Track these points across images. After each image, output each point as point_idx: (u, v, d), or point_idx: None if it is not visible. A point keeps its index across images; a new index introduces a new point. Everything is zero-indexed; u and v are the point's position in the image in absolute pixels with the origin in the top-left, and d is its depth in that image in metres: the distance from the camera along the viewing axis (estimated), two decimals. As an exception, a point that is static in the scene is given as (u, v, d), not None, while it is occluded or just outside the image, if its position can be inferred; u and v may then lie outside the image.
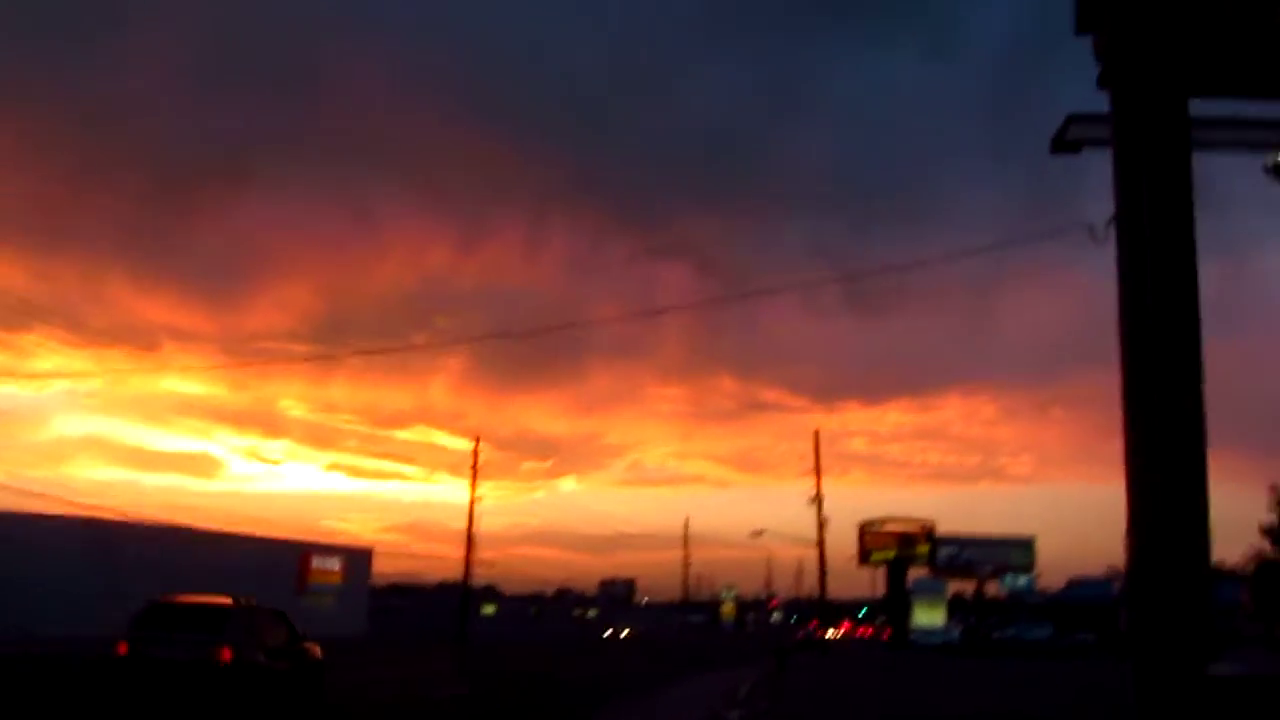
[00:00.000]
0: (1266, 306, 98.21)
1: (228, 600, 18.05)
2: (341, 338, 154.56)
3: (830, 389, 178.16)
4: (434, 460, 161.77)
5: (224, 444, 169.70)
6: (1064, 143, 11.37)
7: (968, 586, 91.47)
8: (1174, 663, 8.40)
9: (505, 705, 21.64)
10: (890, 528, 79.45)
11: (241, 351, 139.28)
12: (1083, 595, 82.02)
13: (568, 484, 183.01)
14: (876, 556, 79.30)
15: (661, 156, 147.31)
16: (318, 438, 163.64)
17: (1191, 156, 9.59)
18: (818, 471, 59.99)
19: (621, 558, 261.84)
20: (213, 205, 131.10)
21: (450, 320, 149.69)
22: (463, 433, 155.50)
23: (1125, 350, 9.22)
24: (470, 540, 67.28)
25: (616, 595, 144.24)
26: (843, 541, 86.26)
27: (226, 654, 16.12)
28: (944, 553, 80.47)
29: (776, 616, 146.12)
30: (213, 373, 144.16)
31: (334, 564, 66.00)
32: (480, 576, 77.99)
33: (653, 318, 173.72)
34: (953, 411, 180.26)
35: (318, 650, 20.66)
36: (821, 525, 59.46)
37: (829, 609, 69.03)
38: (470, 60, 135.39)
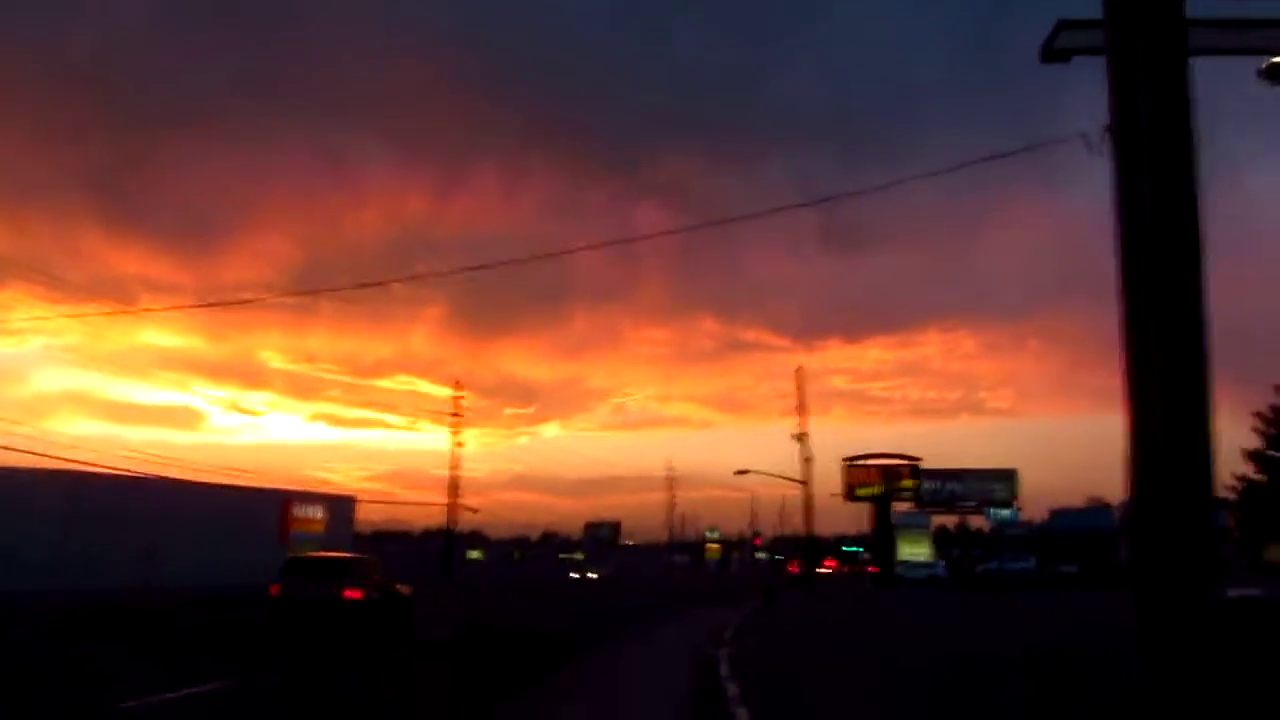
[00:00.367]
0: (1248, 227, 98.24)
1: (344, 554, 25.95)
2: (320, 288, 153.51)
3: (811, 328, 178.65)
4: (417, 408, 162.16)
5: (205, 396, 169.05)
6: (1054, 51, 10.84)
7: (951, 520, 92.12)
8: (1177, 589, 8.07)
9: (487, 649, 21.27)
10: (874, 463, 79.51)
11: (219, 303, 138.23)
12: (1065, 526, 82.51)
13: (551, 429, 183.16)
14: (861, 492, 79.43)
15: (643, 97, 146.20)
16: (299, 388, 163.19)
17: (1189, 61, 9.12)
18: (801, 408, 59.78)
19: (606, 501, 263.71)
20: (187, 156, 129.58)
21: (429, 267, 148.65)
22: (445, 380, 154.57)
23: (1123, 269, 8.79)
24: (454, 486, 67.05)
25: (601, 538, 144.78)
26: (827, 479, 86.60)
27: (347, 593, 22.29)
28: (927, 487, 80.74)
29: (762, 555, 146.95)
30: (191, 325, 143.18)
31: (316, 512, 65.59)
32: (466, 522, 78.05)
33: (633, 261, 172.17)
34: (932, 347, 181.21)
35: (405, 589, 26.58)
36: (807, 461, 59.25)
37: (815, 546, 69.03)
38: (446, 4, 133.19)
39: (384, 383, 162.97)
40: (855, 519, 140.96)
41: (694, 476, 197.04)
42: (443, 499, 67.92)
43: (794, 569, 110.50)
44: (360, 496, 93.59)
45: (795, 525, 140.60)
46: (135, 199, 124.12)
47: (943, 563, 79.12)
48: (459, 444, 66.65)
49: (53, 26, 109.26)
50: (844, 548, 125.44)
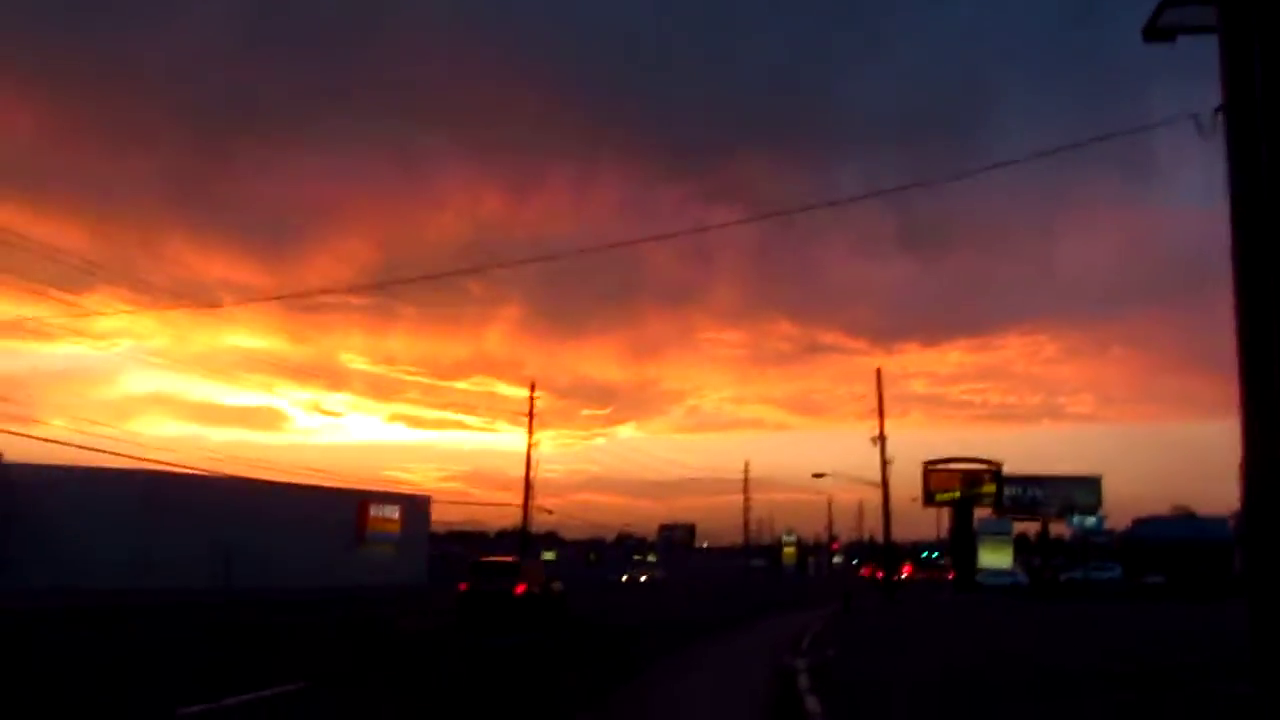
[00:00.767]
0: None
1: (515, 558, 34.38)
2: (399, 289, 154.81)
3: (889, 330, 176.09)
4: (494, 409, 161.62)
5: (287, 397, 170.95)
6: (1157, 30, 10.19)
7: (1031, 528, 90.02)
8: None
9: (560, 654, 20.91)
10: (955, 467, 77.90)
11: (301, 305, 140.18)
12: (1150, 535, 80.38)
13: (627, 430, 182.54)
14: (941, 497, 77.82)
15: (715, 99, 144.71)
16: (379, 389, 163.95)
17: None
18: (880, 410, 58.60)
19: (681, 502, 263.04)
20: (268, 161, 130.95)
21: (506, 269, 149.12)
22: (521, 382, 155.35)
23: (1238, 257, 8.17)
24: (528, 486, 66.92)
25: (676, 540, 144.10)
26: (904, 483, 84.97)
27: (519, 588, 28.91)
28: (1008, 493, 78.91)
29: (838, 560, 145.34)
30: (273, 327, 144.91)
31: (392, 512, 65.90)
32: (541, 523, 77.79)
33: (708, 262, 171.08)
34: (1012, 351, 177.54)
35: (559, 586, 33.71)
36: (885, 465, 58.13)
37: (893, 551, 67.86)
38: (520, 7, 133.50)
39: (462, 384, 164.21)
40: (931, 524, 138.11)
41: (770, 479, 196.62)
42: (518, 500, 67.76)
43: (867, 573, 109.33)
44: (436, 497, 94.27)
45: (872, 530, 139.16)
46: (218, 203, 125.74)
47: (1023, 571, 77.49)
48: (534, 444, 66.47)
49: (138, 36, 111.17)
50: (922, 554, 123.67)
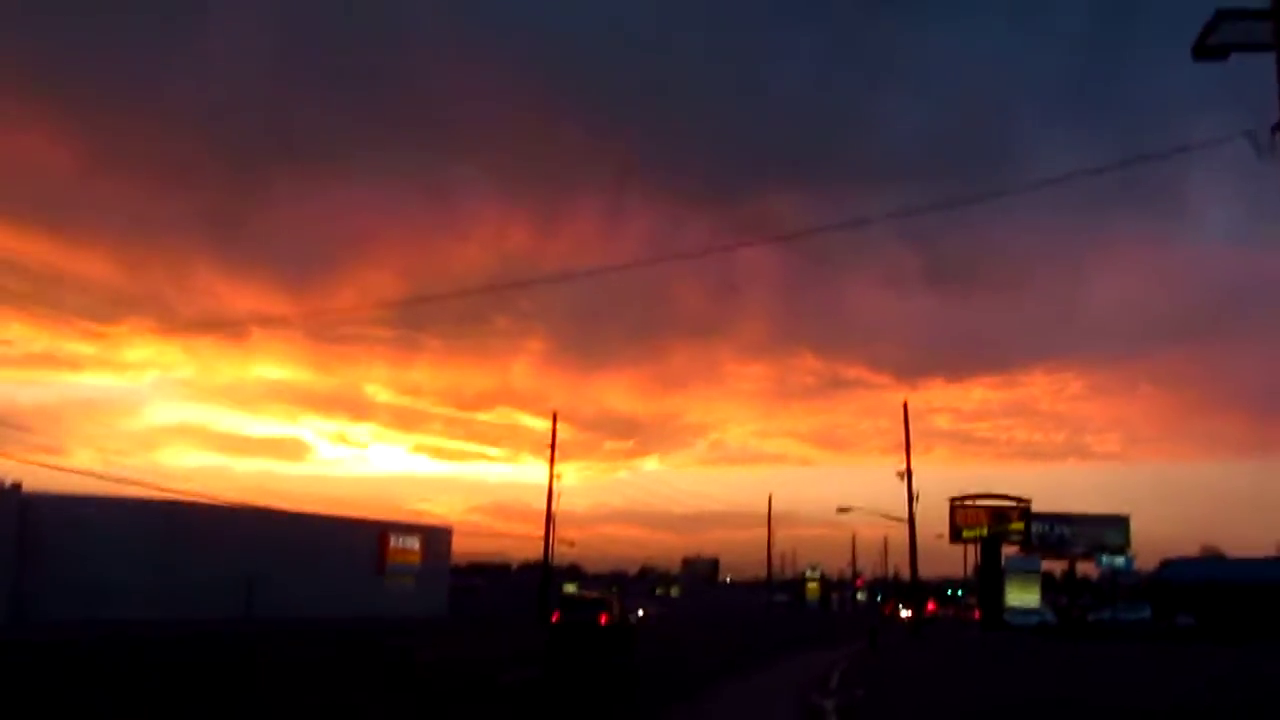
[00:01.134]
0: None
1: (599, 594, 37.88)
2: (424, 321, 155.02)
3: (913, 366, 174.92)
4: (517, 441, 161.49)
5: (312, 428, 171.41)
6: (1209, 48, 9.78)
7: (1058, 566, 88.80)
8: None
9: (575, 691, 20.37)
10: (983, 504, 76.91)
11: (327, 337, 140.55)
12: (1181, 576, 79.05)
13: (650, 463, 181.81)
14: (968, 533, 76.79)
15: (742, 133, 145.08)
16: (403, 420, 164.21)
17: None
18: (907, 444, 57.91)
19: (705, 536, 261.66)
20: (295, 194, 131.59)
21: (532, 302, 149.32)
22: (545, 414, 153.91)
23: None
24: (550, 518, 66.43)
25: (699, 574, 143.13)
26: (929, 520, 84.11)
27: (603, 619, 31.53)
28: (1035, 530, 77.90)
29: (862, 596, 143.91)
30: (299, 358, 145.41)
31: (413, 543, 65.42)
32: (563, 556, 77.26)
33: (732, 296, 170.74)
34: (1038, 388, 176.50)
35: (632, 618, 39.41)
36: (912, 499, 57.35)
37: (918, 588, 66.92)
38: (547, 42, 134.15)
39: (485, 416, 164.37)
40: (955, 561, 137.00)
41: (794, 514, 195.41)
42: (540, 532, 67.25)
43: (889, 610, 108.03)
44: (459, 529, 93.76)
45: (897, 565, 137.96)
46: (247, 235, 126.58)
47: (1051, 610, 76.32)
48: (556, 476, 66.06)
49: (171, 72, 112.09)
50: (946, 591, 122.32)
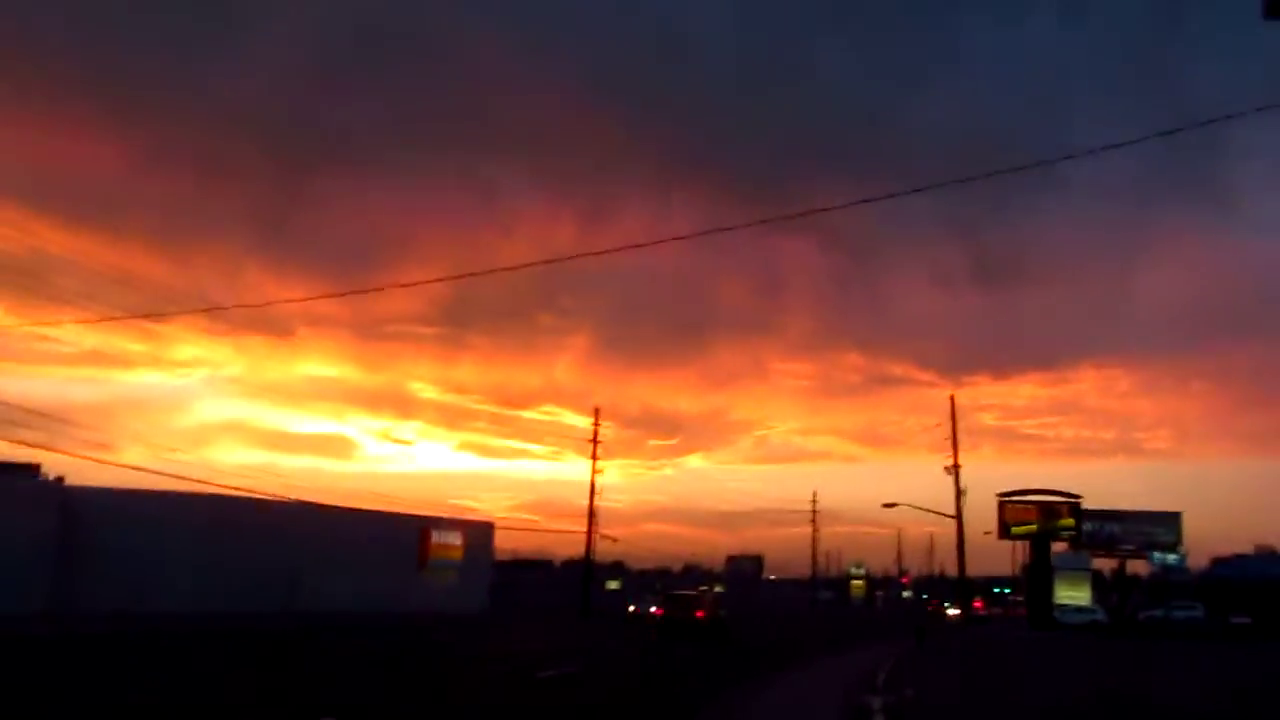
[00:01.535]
0: None
1: (696, 591, 50.12)
2: (468, 319, 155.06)
3: (959, 363, 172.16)
4: (562, 438, 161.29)
5: (359, 426, 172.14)
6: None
7: (1107, 564, 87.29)
8: None
9: (615, 687, 19.82)
10: (1032, 500, 75.54)
11: (373, 335, 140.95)
12: (1235, 574, 77.44)
13: (694, 461, 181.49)
14: (1017, 530, 75.44)
15: (786, 129, 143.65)
16: (448, 418, 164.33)
17: None
18: (955, 439, 57.08)
19: (749, 534, 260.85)
20: (341, 192, 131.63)
21: (575, 299, 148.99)
22: (589, 411, 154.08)
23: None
24: (592, 513, 66.11)
25: (743, 571, 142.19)
26: (975, 518, 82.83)
27: (700, 614, 39.55)
28: (1085, 528, 76.42)
29: (907, 594, 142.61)
30: (346, 356, 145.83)
31: (454, 538, 65.22)
32: (607, 552, 76.84)
33: (777, 293, 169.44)
34: (1087, 385, 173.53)
35: (724, 613, 44.45)
36: (960, 494, 56.42)
37: (967, 585, 65.90)
38: (591, 39, 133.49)
39: (530, 413, 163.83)
40: (1000, 559, 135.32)
41: (839, 511, 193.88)
42: (584, 528, 66.91)
43: (932, 608, 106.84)
44: (503, 525, 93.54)
45: (942, 563, 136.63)
46: (295, 233, 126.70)
47: (1102, 608, 74.92)
48: (598, 472, 65.76)
49: (219, 70, 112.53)
50: (993, 588, 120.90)
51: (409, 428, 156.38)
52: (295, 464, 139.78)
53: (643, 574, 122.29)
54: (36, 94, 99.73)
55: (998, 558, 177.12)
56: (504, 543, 76.04)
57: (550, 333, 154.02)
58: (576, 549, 71.29)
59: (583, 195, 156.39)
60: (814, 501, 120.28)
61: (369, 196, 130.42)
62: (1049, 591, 73.40)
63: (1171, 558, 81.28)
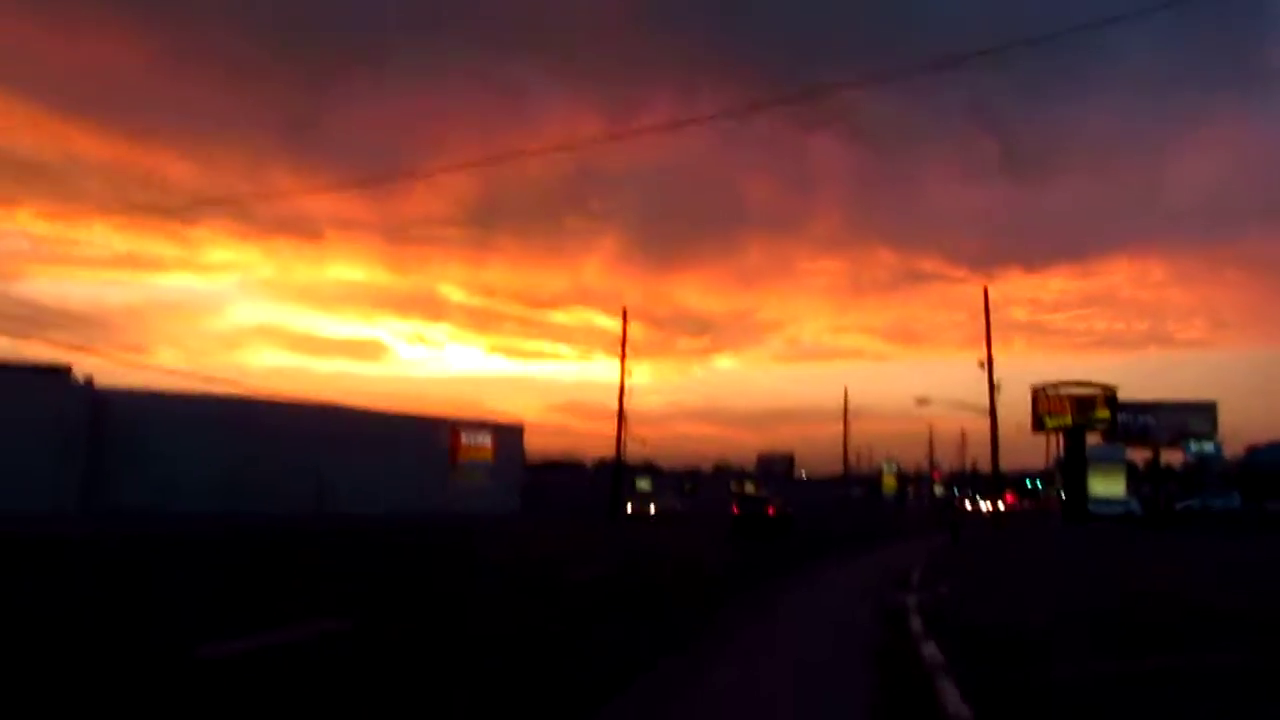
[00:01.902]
0: None
1: (765, 494, 57.97)
2: (497, 220, 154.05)
3: (990, 257, 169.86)
4: (591, 340, 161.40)
5: (389, 329, 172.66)
6: None
7: (1141, 455, 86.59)
8: None
9: (646, 587, 19.37)
10: (1066, 392, 74.51)
11: (401, 238, 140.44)
12: (1272, 461, 76.64)
13: (724, 361, 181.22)
14: (1051, 422, 74.47)
15: (809, 20, 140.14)
16: (477, 321, 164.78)
17: None
18: (988, 332, 55.90)
19: (780, 433, 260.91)
20: (365, 94, 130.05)
21: (603, 200, 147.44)
22: (618, 313, 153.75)
23: None
24: (621, 415, 65.70)
25: (775, 469, 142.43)
26: (1007, 412, 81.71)
27: (770, 510, 46.18)
28: (1119, 419, 75.41)
29: (939, 490, 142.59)
30: (375, 259, 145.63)
31: (484, 440, 65.18)
32: (637, 453, 76.62)
33: (806, 190, 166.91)
34: (1119, 276, 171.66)
35: (789, 510, 48.44)
36: (993, 388, 55.52)
37: (999, 481, 65.34)
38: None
39: (559, 315, 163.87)
40: (1031, 453, 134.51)
41: (870, 409, 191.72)
42: (614, 430, 66.58)
43: (959, 503, 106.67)
44: (534, 428, 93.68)
45: (975, 458, 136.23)
46: (321, 136, 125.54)
47: (1136, 499, 74.36)
48: (627, 373, 65.24)
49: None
50: (1025, 482, 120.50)
51: (438, 330, 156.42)
52: (326, 367, 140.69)
53: (673, 474, 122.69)
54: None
55: (1028, 451, 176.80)
56: (535, 445, 76.13)
57: (578, 234, 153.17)
58: (607, 450, 71.17)
59: (608, 92, 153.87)
60: (845, 398, 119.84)
61: (394, 98, 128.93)
62: (1083, 484, 72.75)
63: (1207, 446, 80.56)
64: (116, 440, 45.78)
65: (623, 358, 64.96)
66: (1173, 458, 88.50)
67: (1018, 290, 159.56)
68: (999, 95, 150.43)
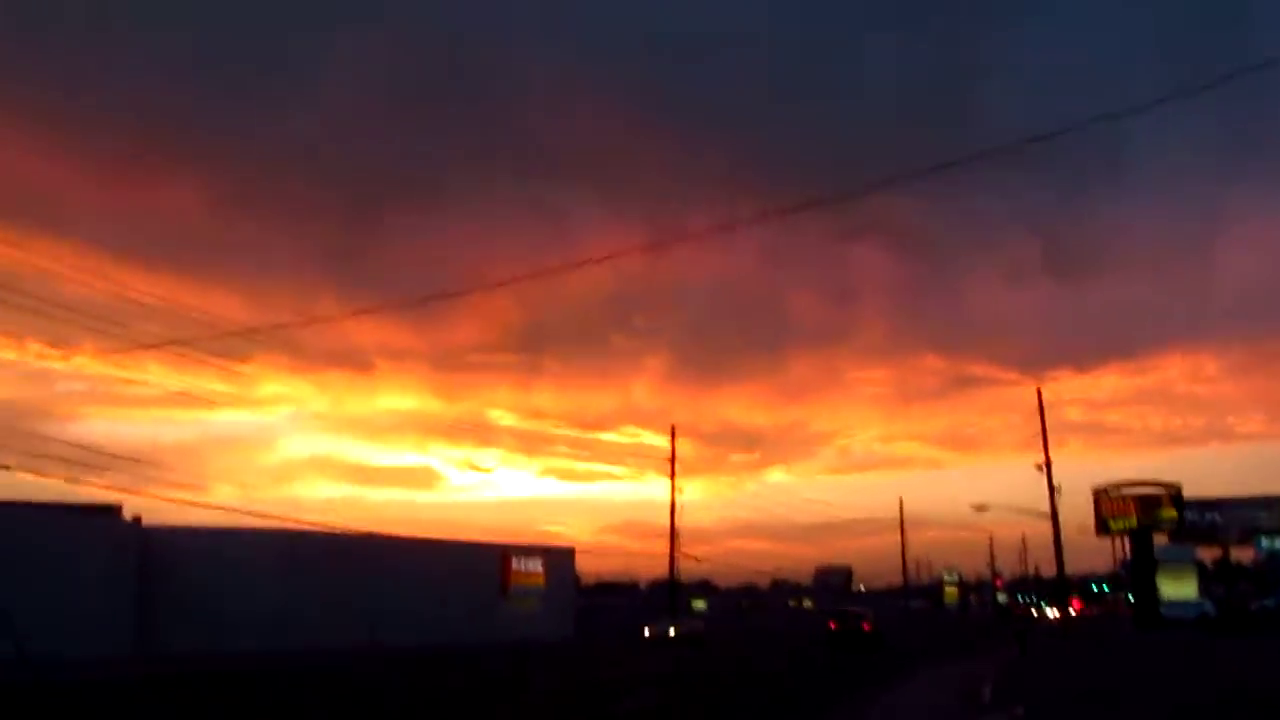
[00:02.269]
0: None
1: (860, 609, 53.75)
2: (544, 344, 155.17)
3: (1039, 359, 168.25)
4: (642, 459, 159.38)
5: (440, 456, 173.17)
6: None
7: (1209, 555, 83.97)
8: None
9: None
10: (1130, 492, 72.49)
11: (450, 365, 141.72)
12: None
13: (776, 474, 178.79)
14: (1115, 525, 72.27)
15: (849, 134, 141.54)
16: (528, 444, 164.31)
17: None
18: (1044, 433, 55.00)
19: (836, 545, 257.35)
20: (412, 225, 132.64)
21: (648, 319, 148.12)
22: (667, 430, 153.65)
23: None
24: (673, 533, 64.75)
25: (833, 583, 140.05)
26: (1067, 514, 79.81)
27: (866, 626, 47.47)
28: (1185, 517, 73.16)
29: (1002, 597, 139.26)
30: (425, 387, 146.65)
31: (535, 565, 64.34)
32: (692, 571, 75.37)
33: (851, 301, 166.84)
34: (1172, 371, 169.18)
35: (875, 626, 48.61)
36: (1053, 490, 54.26)
37: (1065, 584, 63.47)
38: (650, 57, 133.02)
39: (609, 435, 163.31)
40: (1093, 556, 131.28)
41: (926, 517, 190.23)
42: (665, 549, 65.55)
43: (1020, 610, 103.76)
44: (588, 549, 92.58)
45: (1036, 564, 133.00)
46: (369, 269, 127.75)
47: (1209, 601, 71.78)
48: (677, 490, 64.46)
49: (289, 111, 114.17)
50: (1090, 586, 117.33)
51: (489, 455, 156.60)
52: (379, 497, 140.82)
53: (730, 591, 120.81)
54: (115, 143, 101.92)
55: (1093, 554, 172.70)
56: (588, 566, 75.07)
57: (625, 354, 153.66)
58: (661, 570, 69.87)
59: (649, 214, 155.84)
60: (900, 507, 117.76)
61: (439, 229, 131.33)
62: (1153, 587, 70.37)
63: (1279, 543, 77.98)
64: (164, 578, 45.45)
65: (673, 475, 64.29)
66: (1242, 555, 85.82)
67: (1070, 390, 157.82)
68: (1040, 200, 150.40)
